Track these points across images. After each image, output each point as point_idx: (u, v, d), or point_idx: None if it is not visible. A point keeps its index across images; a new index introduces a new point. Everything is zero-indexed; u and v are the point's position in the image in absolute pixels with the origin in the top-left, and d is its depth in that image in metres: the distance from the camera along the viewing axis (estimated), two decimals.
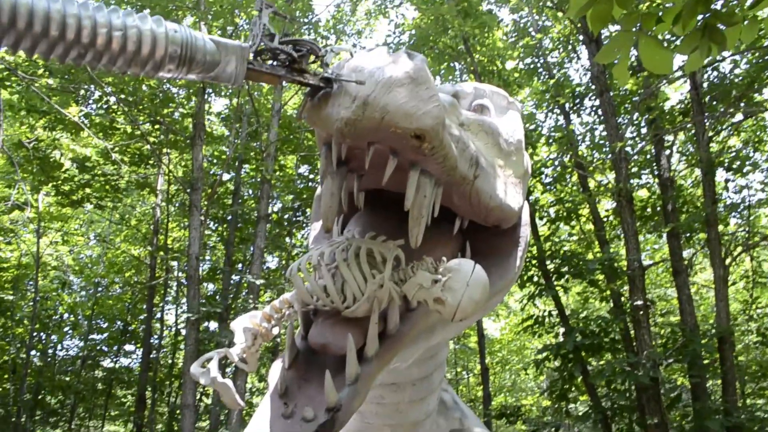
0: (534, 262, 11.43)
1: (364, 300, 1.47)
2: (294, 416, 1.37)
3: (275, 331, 1.79)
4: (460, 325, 1.88)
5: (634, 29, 3.78)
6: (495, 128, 1.89)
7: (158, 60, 1.21)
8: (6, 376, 19.47)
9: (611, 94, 11.40)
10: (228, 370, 12.18)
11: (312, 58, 1.41)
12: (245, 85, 15.88)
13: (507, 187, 1.82)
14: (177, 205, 18.64)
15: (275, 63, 1.38)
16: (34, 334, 20.36)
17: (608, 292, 11.04)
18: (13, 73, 14.05)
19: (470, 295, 1.41)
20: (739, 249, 11.16)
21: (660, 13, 3.79)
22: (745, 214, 11.91)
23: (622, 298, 10.97)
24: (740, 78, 10.24)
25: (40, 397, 20.03)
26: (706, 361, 10.27)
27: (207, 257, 20.14)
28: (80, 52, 1.16)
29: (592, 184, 12.69)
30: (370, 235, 1.64)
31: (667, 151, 11.93)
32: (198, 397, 13.72)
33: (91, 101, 16.07)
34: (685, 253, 12.23)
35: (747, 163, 11.39)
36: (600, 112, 12.83)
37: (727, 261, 10.40)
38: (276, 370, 1.49)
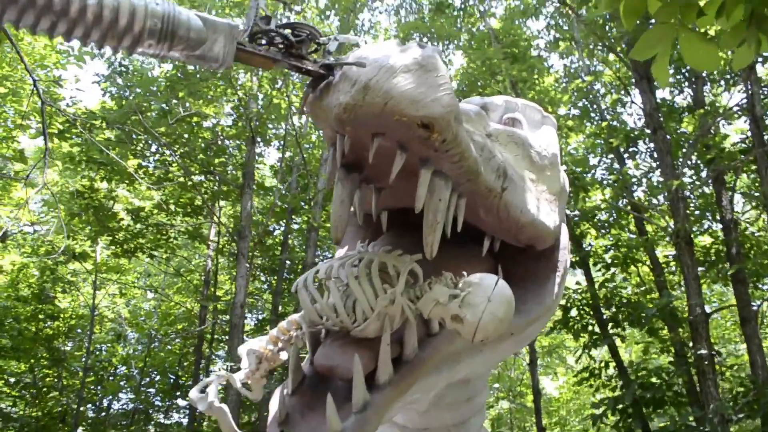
0: (588, 309, 10.86)
1: (374, 317, 1.33)
2: None
3: (283, 355, 1.64)
4: (490, 354, 1.67)
5: (672, 21, 3.43)
6: (526, 140, 1.79)
7: (137, 33, 1.14)
8: (57, 427, 19.59)
9: (665, 133, 10.94)
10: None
11: (314, 46, 1.32)
12: (294, 135, 16.39)
13: (540, 203, 1.70)
14: (227, 255, 18.77)
15: (271, 47, 1.27)
16: (90, 386, 20.64)
17: (669, 342, 10.33)
18: (72, 125, 14.62)
19: (492, 312, 1.27)
20: None
21: (702, 4, 3.47)
22: None
23: (685, 348, 10.22)
24: None
25: None
26: None
27: (258, 310, 20.14)
28: (52, 21, 1.10)
29: (649, 228, 12.12)
30: (385, 249, 1.51)
31: (729, 193, 11.31)
32: None
33: (147, 154, 16.51)
34: (754, 305, 11.43)
35: None
36: (655, 154, 12.41)
37: None
38: (278, 397, 1.38)
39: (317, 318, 1.44)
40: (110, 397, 22.39)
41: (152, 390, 22.42)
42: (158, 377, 22.20)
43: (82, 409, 19.38)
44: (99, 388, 21.74)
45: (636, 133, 12.75)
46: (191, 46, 1.19)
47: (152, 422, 22.34)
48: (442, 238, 1.43)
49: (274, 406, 1.36)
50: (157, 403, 22.42)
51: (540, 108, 2.07)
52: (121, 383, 22.52)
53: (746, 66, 3.82)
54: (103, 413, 22.17)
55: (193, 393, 1.58)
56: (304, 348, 1.57)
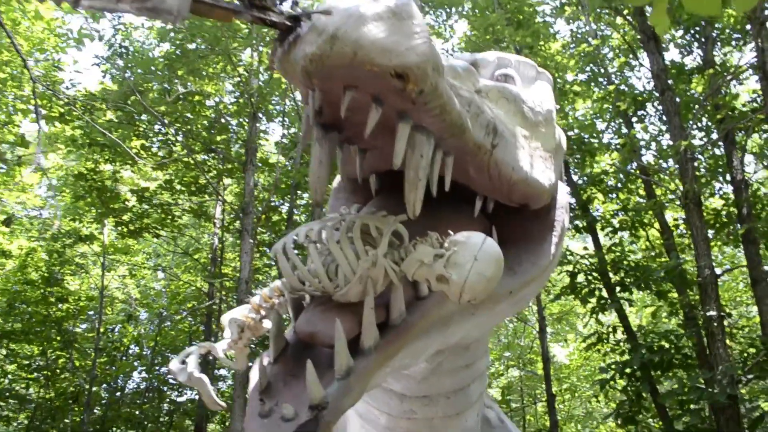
0: (596, 275, 10.76)
1: (355, 281, 1.27)
2: (271, 415, 1.19)
3: (266, 324, 1.59)
4: (484, 317, 1.60)
5: None
6: (518, 95, 1.72)
7: None
8: (70, 407, 19.81)
9: (673, 94, 10.73)
10: None
11: None
12: (297, 110, 16.25)
13: (534, 160, 1.64)
14: (233, 232, 18.77)
15: None
16: (103, 366, 20.85)
17: (678, 305, 10.22)
18: (72, 108, 14.55)
19: (479, 271, 1.21)
20: None
21: None
22: None
23: (694, 311, 10.12)
24: None
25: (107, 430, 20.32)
26: None
27: (266, 286, 20.13)
28: None
29: (659, 192, 11.96)
30: (368, 211, 1.48)
31: (740, 154, 11.10)
32: None
33: (150, 134, 16.43)
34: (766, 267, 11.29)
35: None
36: (664, 117, 12.20)
37: None
38: (259, 366, 1.32)
39: (298, 284, 1.37)
40: (123, 376, 22.63)
41: (164, 369, 22.63)
42: (170, 355, 22.38)
43: (95, 389, 19.55)
44: (111, 368, 21.95)
45: (644, 96, 12.53)
46: None
47: (166, 400, 22.62)
48: (434, 200, 1.39)
49: (255, 374, 1.30)
50: (170, 380, 22.64)
51: (534, 63, 2.00)
52: (134, 363, 22.76)
53: (750, 9, 3.67)
54: (117, 393, 22.43)
55: (173, 364, 1.54)
56: (288, 316, 1.51)
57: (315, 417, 1.16)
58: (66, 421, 19.71)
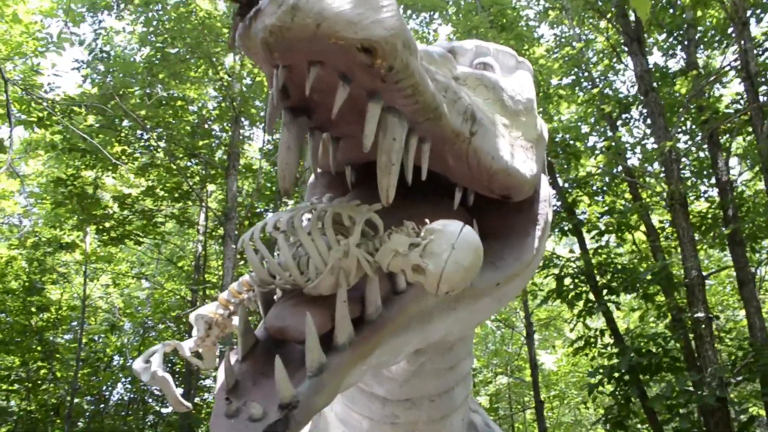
0: (582, 278, 10.66)
1: (326, 272, 1.20)
2: (239, 415, 1.12)
3: (235, 320, 1.52)
4: (465, 314, 1.51)
5: None
6: (497, 83, 1.66)
7: None
8: (52, 420, 19.47)
9: (657, 95, 10.71)
10: None
11: None
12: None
13: (515, 150, 1.57)
14: (217, 239, 18.59)
15: None
16: (86, 378, 20.56)
17: (665, 308, 10.14)
18: (51, 113, 14.32)
19: (457, 260, 1.15)
20: None
21: None
22: None
23: (681, 313, 10.05)
24: None
25: None
26: None
27: None
28: None
29: (644, 196, 11.90)
30: (340, 200, 1.39)
31: (724, 155, 11.08)
32: None
33: (132, 140, 16.24)
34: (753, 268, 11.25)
35: None
36: (648, 120, 12.18)
37: None
38: (226, 364, 1.24)
39: (268, 277, 1.30)
40: (106, 387, 22.33)
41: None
42: None
43: (77, 401, 19.25)
44: (94, 379, 21.66)
45: (628, 99, 12.52)
46: None
47: (150, 411, 22.35)
48: (412, 193, 1.36)
49: (222, 373, 1.22)
50: (155, 391, 22.40)
51: (514, 53, 1.93)
52: (118, 374, 22.48)
53: (733, 11, 3.58)
54: (101, 405, 22.14)
55: (137, 363, 1.48)
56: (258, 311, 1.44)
57: (285, 417, 1.09)
58: None
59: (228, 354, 1.26)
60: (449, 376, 1.80)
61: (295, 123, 1.25)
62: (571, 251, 11.50)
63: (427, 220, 1.24)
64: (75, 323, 20.82)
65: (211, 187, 18.04)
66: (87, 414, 21.04)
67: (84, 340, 20.16)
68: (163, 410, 22.24)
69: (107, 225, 16.11)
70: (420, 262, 1.16)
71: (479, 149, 1.42)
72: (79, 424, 20.30)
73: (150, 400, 22.30)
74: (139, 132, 15.82)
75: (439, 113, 1.27)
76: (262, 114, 16.76)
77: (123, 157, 15.55)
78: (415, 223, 1.26)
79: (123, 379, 22.33)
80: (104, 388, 22.19)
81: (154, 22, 14.21)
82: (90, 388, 21.29)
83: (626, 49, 11.91)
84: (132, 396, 21.92)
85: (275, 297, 1.37)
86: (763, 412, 10.82)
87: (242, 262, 16.79)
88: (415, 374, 1.70)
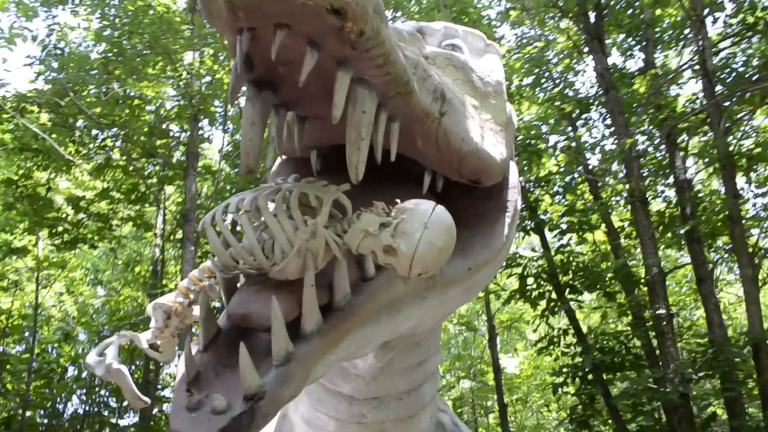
0: (545, 277, 10.67)
1: (293, 254, 1.13)
2: (201, 408, 1.05)
3: (196, 310, 1.45)
4: (436, 303, 1.46)
5: None
6: (467, 64, 1.64)
7: None
8: None
9: (617, 92, 10.84)
10: None
11: None
12: (240, 113, 15.75)
13: (485, 132, 1.55)
14: (174, 243, 18.21)
15: None
16: (39, 389, 19.96)
17: (626, 306, 10.20)
18: (2, 109, 13.87)
19: (429, 240, 1.11)
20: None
21: None
22: None
23: (642, 310, 10.11)
24: (756, 59, 9.66)
25: None
26: (740, 375, 9.29)
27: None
28: None
29: (604, 196, 12.00)
30: (306, 180, 1.33)
31: (681, 153, 11.24)
32: None
33: (86, 140, 15.82)
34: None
35: None
36: (608, 120, 12.31)
37: (756, 261, 9.47)
38: (187, 355, 1.17)
39: (231, 261, 1.22)
40: (60, 400, 21.69)
41: (105, 391, 21.87)
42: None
43: (29, 414, 18.63)
44: (47, 391, 21.02)
45: (588, 99, 12.65)
46: None
47: (106, 425, 21.79)
48: (380, 180, 1.35)
49: (182, 364, 1.15)
50: (111, 404, 21.89)
51: (483, 35, 1.90)
52: (72, 385, 21.87)
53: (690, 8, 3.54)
54: (54, 419, 21.49)
55: (90, 357, 1.40)
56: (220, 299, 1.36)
57: (250, 408, 1.03)
58: None
59: (188, 344, 1.19)
60: (417, 372, 1.76)
61: (259, 97, 1.20)
62: (533, 250, 11.52)
63: (398, 200, 1.19)
64: (27, 333, 20.22)
65: (169, 189, 17.68)
66: (40, 428, 20.40)
67: (36, 351, 19.57)
68: (120, 422, 21.71)
69: (60, 229, 15.62)
70: (391, 242, 1.12)
71: (449, 130, 1.38)
72: None
73: (106, 413, 21.75)
74: (94, 132, 15.42)
75: (410, 88, 1.23)
76: (221, 113, 16.52)
77: (77, 158, 15.12)
78: (384, 204, 1.21)
79: (78, 391, 21.76)
80: (58, 400, 21.59)
81: (111, 17, 13.87)
82: (43, 401, 20.66)
83: (586, 49, 12.05)
84: (87, 409, 21.33)
85: (238, 284, 1.30)
86: (721, 411, 10.95)
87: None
88: (382, 371, 1.66)
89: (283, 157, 1.69)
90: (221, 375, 1.13)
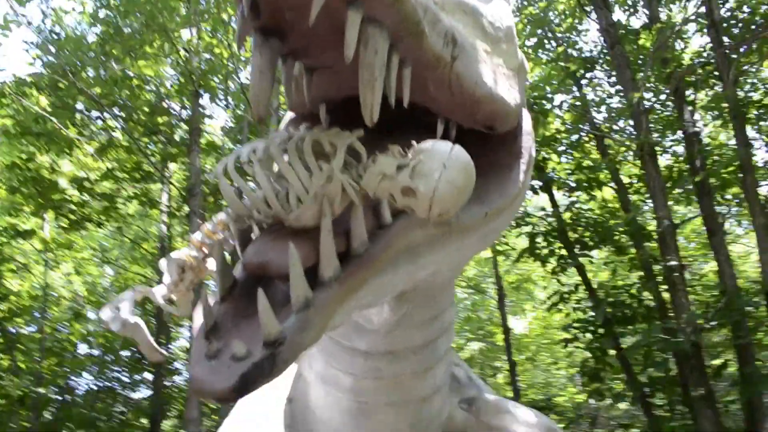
0: (555, 234, 10.72)
1: (309, 200, 1.12)
2: (220, 356, 1.04)
3: (211, 263, 1.41)
4: (453, 250, 1.45)
5: None
6: (476, 8, 1.58)
7: None
8: (21, 412, 19.04)
9: (623, 47, 10.77)
10: None
11: None
12: (243, 93, 15.68)
13: (497, 77, 1.50)
14: (180, 218, 18.27)
15: None
16: (52, 367, 20.17)
17: (637, 259, 10.26)
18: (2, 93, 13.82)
19: (449, 180, 1.09)
20: None
21: None
22: None
23: (653, 264, 10.17)
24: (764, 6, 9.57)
25: None
26: (751, 324, 9.39)
27: None
28: None
29: (611, 153, 12.01)
30: (318, 127, 1.30)
31: (690, 107, 11.20)
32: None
33: (88, 122, 15.77)
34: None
35: None
36: (613, 78, 12.25)
37: None
38: (203, 306, 1.14)
39: (245, 211, 1.21)
40: (73, 377, 21.95)
41: (117, 367, 22.15)
42: (122, 352, 21.83)
43: (43, 391, 18.85)
44: (60, 369, 21.25)
45: (593, 56, 12.56)
46: None
47: (119, 398, 22.09)
48: (391, 131, 1.31)
49: (199, 316, 1.13)
50: (124, 378, 22.17)
51: None
52: (85, 363, 22.12)
53: None
54: (67, 395, 21.76)
55: (104, 312, 1.38)
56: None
57: (271, 354, 1.01)
58: (12, 426, 18.93)
59: (205, 295, 1.16)
60: (433, 326, 1.75)
61: (266, 46, 1.16)
62: (543, 208, 11.54)
63: (413, 142, 1.16)
64: (37, 313, 20.39)
65: (173, 166, 17.67)
66: (55, 405, 20.66)
67: (47, 330, 19.74)
68: (133, 395, 22.02)
69: (66, 210, 15.66)
70: (410, 183, 1.09)
71: (461, 75, 1.34)
72: (46, 415, 19.93)
73: (118, 387, 22.05)
74: (95, 115, 15.37)
75: (421, 30, 1.20)
76: (222, 88, 16.44)
77: (80, 141, 15.11)
78: (400, 147, 1.17)
79: (90, 368, 22.01)
80: (71, 377, 21.84)
81: None
82: (56, 378, 20.91)
83: (587, 9, 11.92)
84: (100, 384, 21.61)
85: (253, 235, 1.27)
86: (732, 364, 11.10)
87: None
88: (398, 325, 1.64)
89: (291, 115, 1.66)
90: (239, 325, 1.13)
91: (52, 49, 14.07)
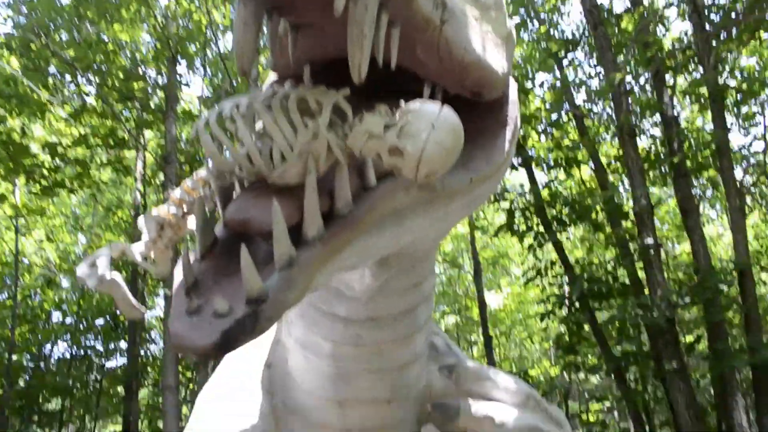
0: (533, 210, 10.80)
1: (294, 157, 1.09)
2: (201, 312, 1.00)
3: (190, 221, 1.38)
4: (438, 216, 1.44)
5: None
6: None
7: None
8: None
9: (605, 29, 10.75)
10: None
11: None
12: (222, 62, 15.45)
13: (486, 44, 1.46)
14: (156, 186, 18.07)
15: None
16: (25, 335, 20.04)
17: (613, 238, 10.41)
18: None
19: (437, 140, 1.07)
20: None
21: None
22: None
23: (629, 242, 10.32)
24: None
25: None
26: (723, 303, 9.59)
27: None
28: None
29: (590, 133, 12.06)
30: (303, 85, 1.25)
31: (669, 91, 11.27)
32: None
33: (60, 86, 15.40)
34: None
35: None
36: (594, 59, 12.24)
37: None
38: (183, 263, 1.10)
39: (227, 166, 1.16)
40: (46, 344, 21.84)
41: (91, 335, 22.07)
42: (96, 321, 21.74)
43: (15, 357, 18.73)
44: (32, 336, 21.12)
45: (575, 36, 12.53)
46: None
47: (94, 366, 22.06)
48: (377, 95, 1.26)
49: (179, 273, 1.09)
50: (98, 347, 22.14)
51: None
52: (58, 330, 22.01)
53: None
54: (42, 362, 21.67)
55: (81, 269, 1.32)
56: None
57: (253, 312, 0.98)
58: None
59: (186, 252, 1.12)
60: (414, 293, 1.74)
61: None
62: (521, 185, 11.60)
63: (402, 102, 1.14)
64: (8, 280, 20.18)
65: (147, 133, 17.41)
66: (27, 371, 20.59)
67: (19, 297, 19.55)
68: (108, 363, 21.97)
69: (37, 175, 15.35)
70: (397, 143, 1.07)
71: (450, 39, 1.32)
72: (20, 382, 19.87)
73: (93, 355, 21.99)
74: (68, 79, 15.02)
75: None
76: (199, 55, 16.16)
77: (51, 106, 14.76)
78: (387, 107, 1.15)
79: (64, 336, 21.90)
80: (44, 344, 21.73)
81: None
82: (28, 345, 20.78)
83: None
84: (74, 353, 21.54)
85: (234, 193, 1.23)
86: (702, 342, 11.36)
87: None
88: (379, 291, 1.63)
89: (274, 76, 1.61)
90: (220, 282, 1.10)
91: (24, 10, 13.68)
